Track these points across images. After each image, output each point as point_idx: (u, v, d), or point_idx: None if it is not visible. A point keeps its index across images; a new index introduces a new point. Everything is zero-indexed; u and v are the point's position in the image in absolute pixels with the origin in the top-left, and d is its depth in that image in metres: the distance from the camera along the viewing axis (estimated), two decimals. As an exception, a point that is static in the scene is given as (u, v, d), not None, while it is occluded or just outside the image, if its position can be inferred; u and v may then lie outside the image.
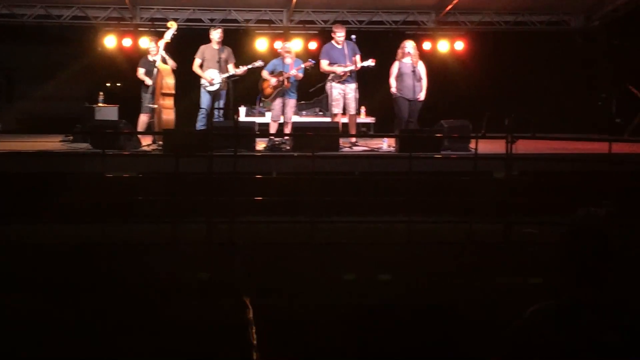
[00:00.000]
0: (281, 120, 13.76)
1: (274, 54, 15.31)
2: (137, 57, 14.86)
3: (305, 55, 15.32)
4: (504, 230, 9.57)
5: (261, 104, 16.67)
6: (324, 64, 13.48)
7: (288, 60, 13.53)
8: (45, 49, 21.61)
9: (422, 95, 13.41)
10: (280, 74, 13.49)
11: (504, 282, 7.96)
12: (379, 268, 8.42)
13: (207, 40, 13.73)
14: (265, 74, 13.73)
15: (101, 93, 16.26)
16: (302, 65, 13.49)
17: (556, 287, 3.40)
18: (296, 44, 17.35)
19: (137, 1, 17.88)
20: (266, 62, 13.86)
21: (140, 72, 13.93)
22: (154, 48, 13.84)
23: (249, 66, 13.56)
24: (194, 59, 13.63)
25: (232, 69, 13.59)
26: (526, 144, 11.08)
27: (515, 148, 9.96)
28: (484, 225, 9.76)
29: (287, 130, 13.59)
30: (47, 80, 20.98)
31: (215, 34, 13.61)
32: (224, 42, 13.77)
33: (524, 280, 7.89)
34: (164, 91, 13.04)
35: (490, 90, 18.84)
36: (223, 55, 13.55)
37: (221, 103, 13.74)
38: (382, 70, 13.68)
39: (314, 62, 13.54)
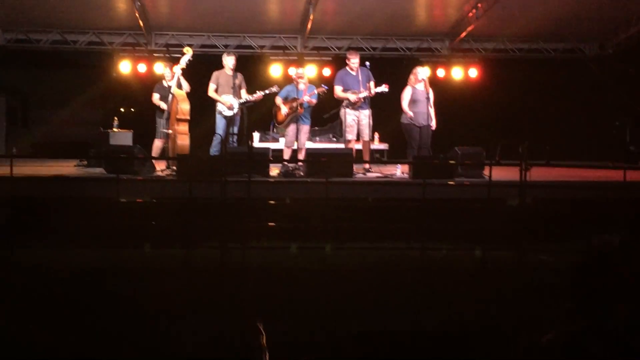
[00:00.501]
0: (295, 146, 13.76)
1: (288, 80, 15.35)
2: (152, 83, 14.91)
3: (320, 81, 15.35)
4: (517, 258, 9.53)
5: (275, 130, 16.72)
6: (338, 90, 13.51)
7: (301, 86, 13.56)
8: (60, 74, 21.73)
9: (434, 124, 13.40)
10: (294, 100, 13.52)
11: (518, 309, 7.92)
12: (392, 294, 8.39)
13: (222, 66, 13.76)
14: (278, 100, 13.77)
15: (116, 118, 16.31)
16: (316, 91, 13.51)
17: (570, 313, 3.39)
18: (310, 70, 17.45)
19: (152, 27, 18.00)
20: (281, 88, 13.90)
21: (155, 97, 13.96)
22: (168, 74, 13.89)
23: (265, 92, 13.58)
24: (207, 84, 13.64)
25: (244, 95, 13.60)
26: (540, 171, 11.07)
27: (529, 175, 9.95)
28: (497, 253, 9.73)
29: (301, 156, 13.56)
30: (61, 105, 21.09)
31: (230, 60, 13.61)
32: (237, 67, 13.76)
33: (538, 307, 7.85)
34: (179, 117, 13.06)
35: (504, 117, 18.87)
36: (237, 81, 13.57)
37: (235, 129, 13.73)
38: (396, 96, 13.67)
39: (327, 88, 13.54)
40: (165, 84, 13.92)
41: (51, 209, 10.52)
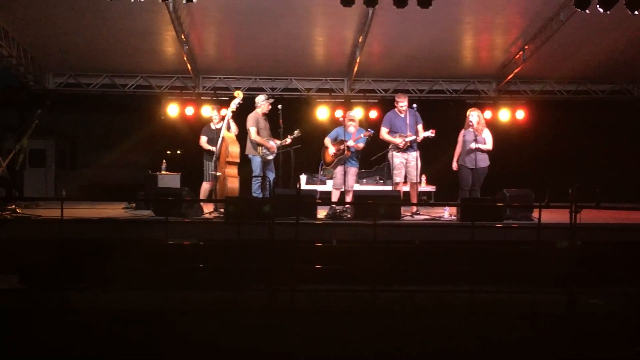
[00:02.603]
0: (342, 189, 13.73)
1: (335, 122, 15.35)
2: (199, 125, 14.98)
3: (366, 123, 15.35)
4: (568, 301, 9.40)
5: (322, 172, 16.71)
6: (384, 132, 13.45)
7: (351, 129, 13.51)
8: (109, 117, 22.06)
9: (484, 164, 13.22)
10: (342, 142, 13.50)
11: (571, 355, 7.81)
12: (441, 338, 8.32)
13: (272, 109, 13.75)
14: (327, 141, 13.76)
15: (164, 161, 16.41)
16: (362, 136, 13.44)
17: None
18: (357, 113, 17.45)
19: (200, 71, 18.18)
20: (327, 131, 13.92)
21: (203, 140, 14.03)
22: (216, 116, 13.96)
23: (293, 136, 13.62)
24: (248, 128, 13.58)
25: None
26: (590, 213, 10.93)
27: (579, 218, 9.83)
28: (547, 296, 9.60)
29: (349, 198, 13.50)
30: (110, 148, 21.39)
31: (267, 105, 13.65)
32: (284, 109, 13.70)
33: (590, 353, 7.74)
34: (228, 159, 13.08)
35: (552, 159, 18.73)
36: (268, 125, 13.64)
37: (273, 172, 13.70)
38: (443, 138, 13.63)
39: (373, 132, 13.46)
40: (212, 126, 13.98)
41: (100, 251, 10.59)
